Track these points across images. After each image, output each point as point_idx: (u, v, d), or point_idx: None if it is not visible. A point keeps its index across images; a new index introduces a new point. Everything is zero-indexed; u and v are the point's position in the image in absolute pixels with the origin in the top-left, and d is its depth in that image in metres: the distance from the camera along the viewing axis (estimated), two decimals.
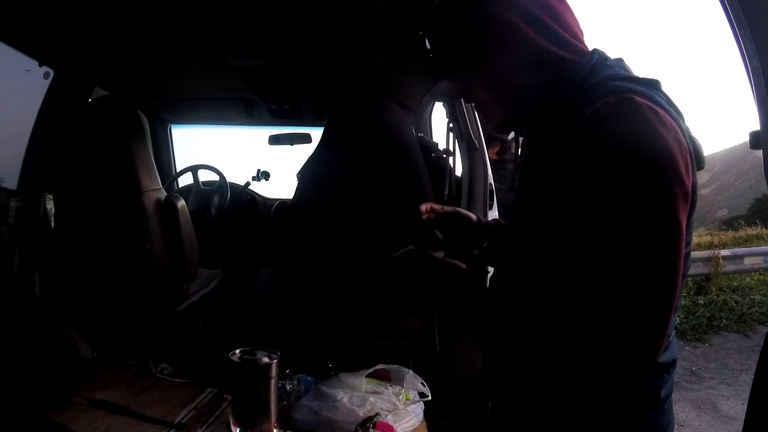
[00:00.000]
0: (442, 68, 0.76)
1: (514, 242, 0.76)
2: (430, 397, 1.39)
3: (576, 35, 0.71)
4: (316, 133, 2.51)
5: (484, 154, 1.67)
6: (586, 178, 0.58)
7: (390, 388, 1.35)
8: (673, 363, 0.70)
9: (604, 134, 0.58)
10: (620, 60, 0.69)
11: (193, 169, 2.64)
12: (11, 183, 1.77)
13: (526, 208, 0.73)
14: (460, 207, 1.66)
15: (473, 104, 0.79)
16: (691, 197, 0.58)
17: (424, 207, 0.88)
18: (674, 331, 0.67)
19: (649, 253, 0.55)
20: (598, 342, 0.58)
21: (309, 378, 1.41)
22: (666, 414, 0.71)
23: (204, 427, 1.26)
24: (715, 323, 4.59)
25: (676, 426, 0.75)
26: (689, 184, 0.57)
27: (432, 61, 0.76)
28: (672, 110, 0.61)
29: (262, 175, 2.72)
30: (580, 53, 0.69)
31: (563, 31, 0.69)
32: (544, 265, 0.67)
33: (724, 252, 5.31)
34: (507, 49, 0.68)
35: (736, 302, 4.86)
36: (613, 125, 0.57)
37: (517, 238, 0.75)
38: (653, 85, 0.63)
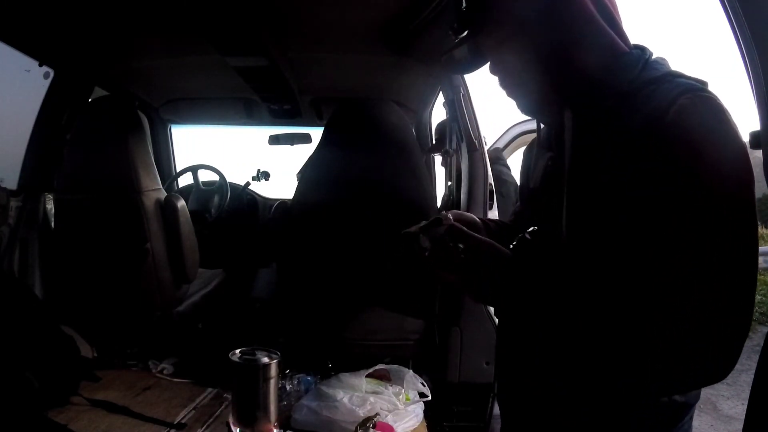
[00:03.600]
0: (484, 21, 0.67)
1: (545, 235, 0.70)
2: (430, 397, 1.39)
3: (622, 26, 0.68)
4: (316, 133, 2.52)
5: (484, 154, 1.67)
6: (663, 175, 0.56)
7: (390, 388, 1.35)
8: None
9: (691, 133, 0.56)
10: (664, 59, 0.66)
11: (193, 169, 2.64)
12: (11, 183, 1.77)
13: (573, 202, 0.65)
14: (460, 207, 1.68)
15: (499, 77, 0.70)
16: None
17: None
18: None
19: (738, 258, 0.55)
20: (679, 354, 0.56)
21: (309, 378, 1.41)
22: (689, 422, 0.69)
23: (204, 427, 1.26)
24: None
25: None
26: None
27: (468, 13, 0.68)
28: None
29: (262, 175, 2.72)
30: (628, 44, 0.67)
31: (618, 18, 0.66)
32: (598, 255, 0.61)
33: None
34: (566, 15, 0.63)
35: None
36: (700, 125, 0.56)
37: (552, 231, 0.68)
38: (706, 85, 0.61)
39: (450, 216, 0.69)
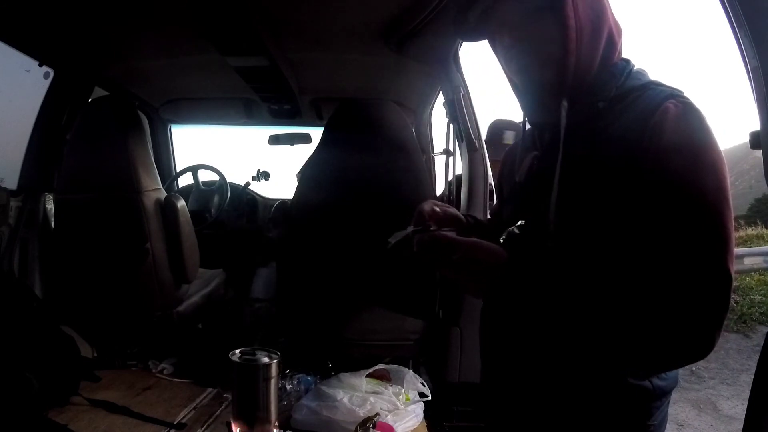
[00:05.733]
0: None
1: (533, 227, 0.73)
2: (430, 397, 1.39)
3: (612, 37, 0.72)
4: (316, 133, 2.52)
5: (484, 154, 1.67)
6: (650, 174, 0.61)
7: (390, 388, 1.35)
8: None
9: (676, 133, 0.61)
10: (645, 70, 0.72)
11: (193, 169, 2.65)
12: (11, 183, 1.77)
13: (564, 194, 0.69)
14: (460, 207, 1.68)
15: (517, 59, 0.73)
16: None
17: (428, 208, 0.81)
18: None
19: (720, 246, 0.59)
20: (664, 335, 0.60)
21: (309, 378, 1.41)
22: (667, 407, 0.73)
23: (204, 427, 1.27)
24: None
25: (676, 426, 0.76)
26: None
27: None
28: None
29: (262, 175, 2.72)
30: (614, 55, 0.72)
31: (605, 30, 0.71)
32: (587, 245, 0.66)
33: None
34: (597, 14, 0.68)
35: (736, 302, 4.84)
36: (684, 126, 0.61)
37: (537, 224, 0.71)
38: (683, 93, 0.66)
39: (432, 225, 0.73)
